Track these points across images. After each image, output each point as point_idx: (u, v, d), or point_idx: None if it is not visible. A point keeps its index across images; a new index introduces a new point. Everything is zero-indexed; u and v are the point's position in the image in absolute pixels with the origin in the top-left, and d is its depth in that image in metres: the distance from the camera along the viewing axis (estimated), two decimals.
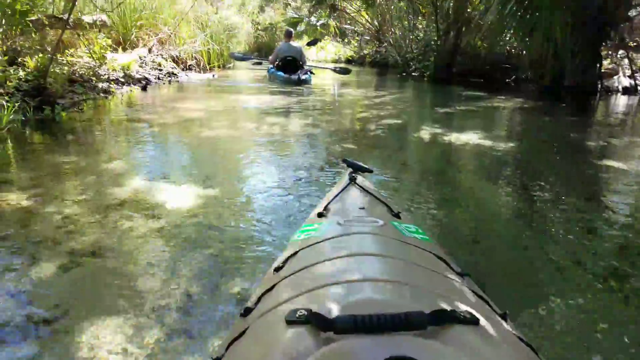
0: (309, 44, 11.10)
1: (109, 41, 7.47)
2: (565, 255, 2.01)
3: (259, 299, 0.87)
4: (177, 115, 4.95)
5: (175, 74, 8.57)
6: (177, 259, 1.83)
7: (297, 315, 0.65)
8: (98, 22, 7.08)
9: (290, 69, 8.50)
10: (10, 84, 4.27)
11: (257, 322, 0.76)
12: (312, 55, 15.61)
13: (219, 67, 10.55)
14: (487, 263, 1.98)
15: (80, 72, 5.92)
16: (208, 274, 1.73)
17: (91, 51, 6.68)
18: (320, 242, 1.04)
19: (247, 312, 0.84)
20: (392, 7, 12.99)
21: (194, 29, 9.87)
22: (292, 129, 4.61)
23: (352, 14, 15.92)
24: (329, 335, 0.59)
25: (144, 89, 6.87)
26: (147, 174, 2.87)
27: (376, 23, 14.89)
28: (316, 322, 0.61)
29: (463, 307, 0.68)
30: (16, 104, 3.95)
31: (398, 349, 0.54)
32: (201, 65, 9.85)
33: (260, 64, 9.70)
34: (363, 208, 1.25)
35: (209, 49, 10.02)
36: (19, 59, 4.85)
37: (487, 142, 4.25)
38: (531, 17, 7.12)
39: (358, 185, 1.44)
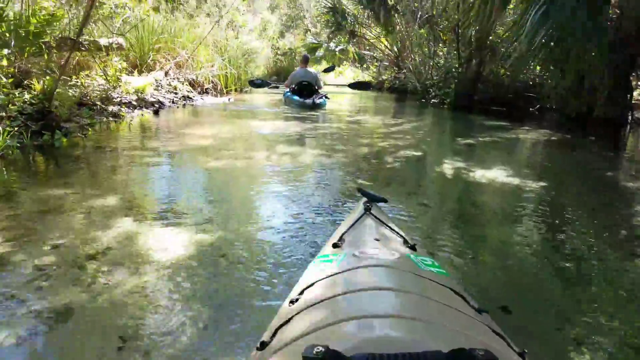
0: (325, 71, 11.05)
1: (125, 64, 7.41)
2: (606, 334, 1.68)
3: (275, 333, 0.86)
4: (184, 142, 4.74)
5: (191, 98, 8.47)
6: (160, 329, 1.54)
7: (314, 352, 0.64)
8: (114, 45, 7.03)
9: (305, 93, 8.46)
10: (13, 107, 4.11)
11: (273, 358, 0.76)
12: (330, 79, 15.50)
13: (235, 90, 10.47)
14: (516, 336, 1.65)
15: (93, 95, 5.80)
16: (197, 352, 1.44)
17: (105, 74, 6.60)
18: (335, 274, 1.03)
19: (263, 346, 0.83)
20: (412, 33, 12.81)
21: (212, 53, 9.84)
22: (304, 159, 4.35)
23: (372, 40, 15.83)
24: None
25: (156, 113, 6.73)
26: (141, 213, 2.61)
27: (395, 49, 14.73)
28: (333, 359, 0.62)
29: (481, 346, 0.67)
30: (15, 129, 3.76)
31: None
32: (218, 88, 9.77)
33: (277, 87, 9.85)
34: (378, 240, 1.23)
35: (226, 72, 9.96)
36: (26, 81, 4.72)
37: (514, 180, 3.91)
38: (562, 50, 6.84)
39: (373, 215, 1.43)
